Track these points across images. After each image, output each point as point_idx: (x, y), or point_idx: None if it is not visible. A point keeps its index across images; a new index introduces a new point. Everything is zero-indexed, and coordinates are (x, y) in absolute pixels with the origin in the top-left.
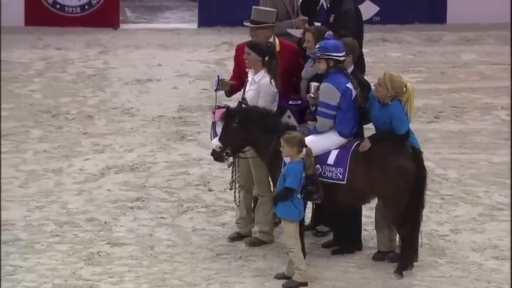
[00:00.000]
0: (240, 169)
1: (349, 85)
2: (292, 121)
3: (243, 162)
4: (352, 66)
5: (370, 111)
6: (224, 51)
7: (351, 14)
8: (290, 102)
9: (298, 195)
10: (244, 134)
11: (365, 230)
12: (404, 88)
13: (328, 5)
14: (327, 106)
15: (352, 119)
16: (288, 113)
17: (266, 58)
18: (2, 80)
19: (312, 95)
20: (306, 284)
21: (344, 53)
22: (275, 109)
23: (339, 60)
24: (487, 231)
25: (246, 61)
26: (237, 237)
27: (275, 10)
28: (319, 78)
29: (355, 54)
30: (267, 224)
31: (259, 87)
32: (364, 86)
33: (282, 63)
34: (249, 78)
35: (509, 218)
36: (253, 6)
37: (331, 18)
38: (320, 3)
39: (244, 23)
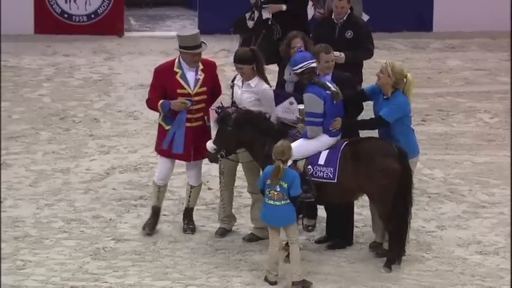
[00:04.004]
0: (224, 169)
1: (329, 91)
2: (295, 107)
3: (226, 161)
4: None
5: (374, 106)
6: (222, 57)
7: (368, 27)
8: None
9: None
10: (238, 136)
11: (356, 226)
12: (405, 79)
13: (342, 21)
14: (314, 115)
15: None
16: (291, 99)
17: (254, 64)
18: (13, 85)
19: (300, 117)
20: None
21: (299, 66)
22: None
23: (297, 73)
24: (471, 228)
25: (242, 75)
26: (224, 233)
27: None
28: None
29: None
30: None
31: (261, 95)
32: (345, 81)
33: (207, 81)
34: (236, 83)
35: (509, 217)
36: (182, 35)
37: (349, 34)
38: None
39: (190, 52)
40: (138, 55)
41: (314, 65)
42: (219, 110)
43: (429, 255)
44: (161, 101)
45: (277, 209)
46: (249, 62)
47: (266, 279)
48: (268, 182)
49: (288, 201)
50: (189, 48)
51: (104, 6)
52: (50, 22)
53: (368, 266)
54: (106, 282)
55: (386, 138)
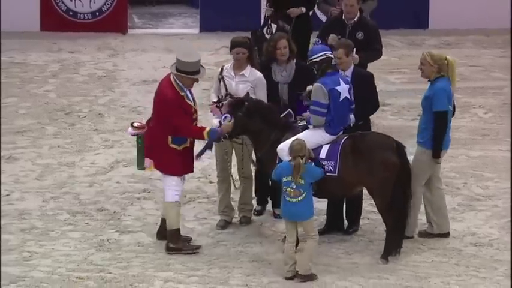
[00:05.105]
0: (218, 159)
1: (339, 88)
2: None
3: (219, 153)
4: (352, 64)
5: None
6: (224, 54)
7: (377, 28)
8: None
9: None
10: (246, 123)
11: (367, 218)
12: (446, 61)
13: (352, 22)
14: (319, 104)
15: (340, 120)
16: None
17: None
18: (20, 81)
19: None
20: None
21: (320, 54)
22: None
23: (317, 61)
24: (466, 220)
25: (238, 61)
26: (225, 225)
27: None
28: (296, 83)
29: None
30: (250, 202)
31: (257, 82)
32: (365, 79)
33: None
34: (226, 75)
35: (503, 209)
36: (187, 61)
37: (359, 35)
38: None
39: (195, 77)
40: (141, 52)
41: (332, 55)
42: (220, 104)
43: (425, 246)
44: (207, 130)
45: (295, 205)
46: (247, 49)
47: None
48: (285, 179)
49: (304, 195)
50: (191, 73)
51: (108, 4)
52: (55, 20)
53: (365, 257)
54: (110, 273)
55: (425, 131)
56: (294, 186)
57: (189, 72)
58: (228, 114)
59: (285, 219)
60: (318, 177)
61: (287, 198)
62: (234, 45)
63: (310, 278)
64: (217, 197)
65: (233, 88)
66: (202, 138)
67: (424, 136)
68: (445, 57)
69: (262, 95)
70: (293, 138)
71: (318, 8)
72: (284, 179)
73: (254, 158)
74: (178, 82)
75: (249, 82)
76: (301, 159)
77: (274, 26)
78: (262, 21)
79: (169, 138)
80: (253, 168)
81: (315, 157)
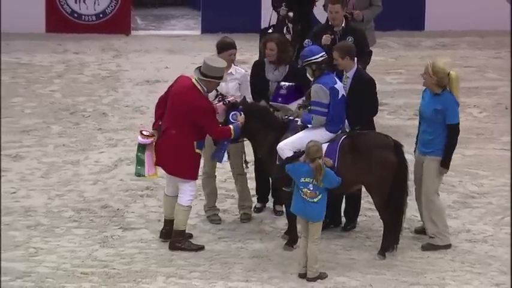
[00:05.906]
0: (204, 157)
1: (337, 86)
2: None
3: (205, 151)
4: (355, 67)
5: (420, 106)
6: None
7: (364, 32)
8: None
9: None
10: (244, 126)
11: (365, 215)
12: (448, 75)
13: (341, 29)
14: (320, 104)
15: (340, 118)
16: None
17: None
18: (26, 81)
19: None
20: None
21: (321, 54)
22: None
23: (317, 61)
24: (461, 217)
25: (231, 61)
26: (219, 219)
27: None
28: (287, 81)
29: (353, 56)
30: (249, 199)
31: (243, 79)
32: (367, 82)
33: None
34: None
35: (497, 206)
36: (217, 66)
37: (350, 40)
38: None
39: (220, 81)
40: (144, 53)
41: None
42: (227, 101)
43: (421, 243)
44: (232, 127)
45: (310, 205)
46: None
47: (310, 278)
48: (303, 180)
49: (320, 197)
50: (218, 78)
51: (111, 6)
52: (60, 21)
53: (363, 253)
54: (114, 268)
55: (434, 141)
56: (311, 188)
57: (216, 77)
58: (236, 112)
59: (299, 221)
60: (334, 185)
61: (303, 196)
62: (227, 46)
63: (319, 277)
64: (221, 194)
65: (223, 87)
66: (230, 136)
67: (432, 146)
68: (448, 72)
69: (247, 92)
70: (294, 136)
71: (324, 10)
72: (302, 180)
73: (245, 158)
74: (203, 86)
75: (237, 80)
76: (320, 160)
77: (291, 26)
78: (264, 21)
79: (195, 143)
80: (246, 169)
81: (332, 165)
